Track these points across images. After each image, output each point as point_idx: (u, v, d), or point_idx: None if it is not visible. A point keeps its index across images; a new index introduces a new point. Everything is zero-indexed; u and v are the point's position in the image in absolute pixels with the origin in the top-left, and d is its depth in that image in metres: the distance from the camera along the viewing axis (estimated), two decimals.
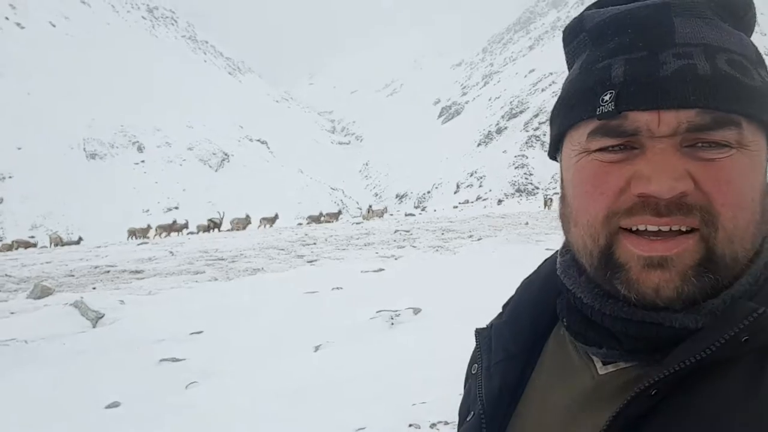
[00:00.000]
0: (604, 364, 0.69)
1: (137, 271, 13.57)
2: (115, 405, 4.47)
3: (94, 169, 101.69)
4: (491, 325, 0.85)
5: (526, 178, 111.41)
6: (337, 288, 8.72)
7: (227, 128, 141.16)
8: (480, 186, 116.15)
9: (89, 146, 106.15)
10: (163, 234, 33.04)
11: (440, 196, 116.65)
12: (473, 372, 0.82)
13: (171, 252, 17.87)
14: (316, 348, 5.75)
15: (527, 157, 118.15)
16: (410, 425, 3.50)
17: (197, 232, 34.04)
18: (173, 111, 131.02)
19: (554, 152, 0.75)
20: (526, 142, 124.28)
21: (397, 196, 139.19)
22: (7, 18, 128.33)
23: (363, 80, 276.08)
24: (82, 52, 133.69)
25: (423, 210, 65.10)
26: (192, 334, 6.54)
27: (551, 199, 39.31)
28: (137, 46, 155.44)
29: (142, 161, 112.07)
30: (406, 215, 36.89)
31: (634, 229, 0.62)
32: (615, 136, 0.63)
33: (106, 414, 4.34)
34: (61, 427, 4.09)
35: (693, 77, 0.61)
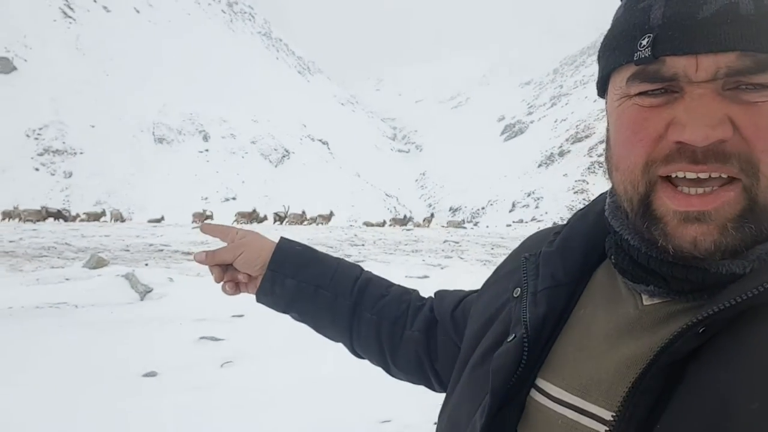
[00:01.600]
0: (651, 296, 0.69)
1: (189, 253, 13.91)
2: (152, 374, 4.58)
3: (160, 153, 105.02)
4: (540, 252, 0.84)
5: (585, 204, 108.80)
6: None
7: (291, 126, 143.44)
8: (536, 207, 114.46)
9: (158, 131, 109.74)
10: (242, 221, 34.75)
11: (494, 213, 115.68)
12: (515, 296, 0.81)
13: None
14: None
15: (588, 183, 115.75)
16: (434, 423, 3.46)
17: (249, 223, 34.89)
18: (241, 104, 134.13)
19: (602, 92, 0.74)
20: (588, 168, 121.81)
21: (450, 209, 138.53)
22: (95, 0, 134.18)
23: (429, 91, 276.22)
24: (161, 40, 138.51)
25: (475, 225, 64.47)
26: (233, 317, 6.65)
27: None
28: (214, 39, 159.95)
29: (206, 150, 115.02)
30: (456, 227, 36.66)
31: (673, 176, 0.61)
32: (653, 81, 0.62)
33: (143, 382, 4.44)
34: (99, 389, 4.21)
35: (734, 18, 0.58)
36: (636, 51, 0.62)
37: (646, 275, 0.68)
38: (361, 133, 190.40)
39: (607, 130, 0.71)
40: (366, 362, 1.04)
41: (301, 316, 1.14)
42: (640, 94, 0.63)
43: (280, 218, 34.24)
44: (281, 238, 1.17)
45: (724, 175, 0.59)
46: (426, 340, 1.08)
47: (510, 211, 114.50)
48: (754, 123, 0.58)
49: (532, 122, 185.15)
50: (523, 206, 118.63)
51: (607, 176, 0.70)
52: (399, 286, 1.19)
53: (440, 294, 1.13)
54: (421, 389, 1.00)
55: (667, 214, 0.61)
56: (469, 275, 11.31)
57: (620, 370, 0.64)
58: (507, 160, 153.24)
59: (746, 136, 0.58)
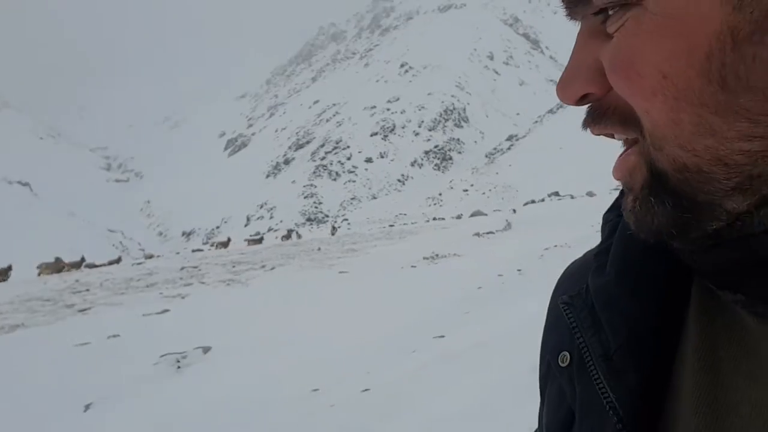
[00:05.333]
0: None
1: None
2: None
3: None
4: (585, 287, 0.49)
5: (316, 207, 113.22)
6: (114, 336, 7.77)
7: None
8: (271, 218, 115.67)
9: None
10: None
11: (230, 230, 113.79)
12: (563, 364, 0.48)
13: None
14: (87, 407, 4.95)
15: (316, 187, 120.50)
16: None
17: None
18: None
19: None
20: (314, 172, 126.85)
21: (183, 233, 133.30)
22: None
23: (140, 113, 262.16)
24: None
25: (213, 246, 63.06)
26: None
27: (335, 228, 43.21)
28: None
29: None
30: (193, 251, 35.15)
31: None
32: None
33: None
34: None
35: None
36: None
37: None
38: (69, 168, 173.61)
39: None
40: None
41: None
42: None
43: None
44: None
45: None
46: None
47: (245, 226, 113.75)
48: None
49: (253, 134, 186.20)
50: (258, 218, 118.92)
51: None
52: None
53: None
54: None
55: None
56: (212, 298, 10.78)
57: None
58: (235, 175, 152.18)
59: None
